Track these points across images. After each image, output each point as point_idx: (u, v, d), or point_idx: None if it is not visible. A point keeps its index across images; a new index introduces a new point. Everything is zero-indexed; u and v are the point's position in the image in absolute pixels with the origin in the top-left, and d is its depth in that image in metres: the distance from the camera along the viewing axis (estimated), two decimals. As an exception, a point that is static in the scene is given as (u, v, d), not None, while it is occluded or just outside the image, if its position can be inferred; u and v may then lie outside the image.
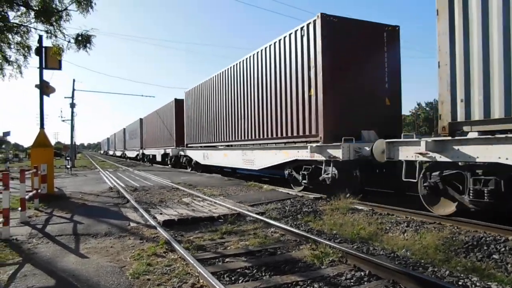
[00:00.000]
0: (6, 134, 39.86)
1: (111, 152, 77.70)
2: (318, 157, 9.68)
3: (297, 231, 5.94)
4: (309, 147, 9.83)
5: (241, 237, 5.91)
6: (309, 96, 10.17)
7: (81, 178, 18.61)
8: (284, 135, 11.51)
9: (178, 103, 24.73)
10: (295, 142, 11.01)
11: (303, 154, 10.20)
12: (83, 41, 9.83)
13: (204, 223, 7.01)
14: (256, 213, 7.53)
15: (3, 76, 11.03)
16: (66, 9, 10.01)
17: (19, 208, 7.61)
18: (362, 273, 4.16)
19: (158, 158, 29.28)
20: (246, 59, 14.13)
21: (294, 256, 4.89)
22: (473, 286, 3.78)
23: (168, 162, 26.62)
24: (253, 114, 13.57)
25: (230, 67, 15.56)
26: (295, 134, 10.94)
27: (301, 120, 10.61)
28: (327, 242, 5.09)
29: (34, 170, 9.61)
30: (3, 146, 74.11)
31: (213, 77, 17.87)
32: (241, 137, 14.68)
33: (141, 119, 38.20)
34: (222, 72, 16.61)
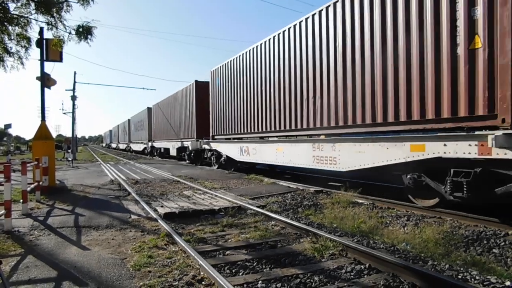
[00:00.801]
0: (8, 126, 39.97)
1: (114, 145, 72.55)
2: (501, 154, 5.50)
3: (297, 224, 5.95)
4: (490, 138, 5.49)
5: (241, 230, 5.94)
6: (471, 51, 6.12)
7: (82, 170, 18.64)
8: (404, 118, 7.34)
9: (200, 86, 20.24)
10: (431, 129, 6.81)
11: (461, 149, 6.05)
12: (84, 32, 9.78)
13: (205, 216, 7.03)
14: (256, 206, 7.55)
15: (5, 67, 11.01)
16: (66, 0, 9.97)
17: (21, 200, 7.64)
18: (362, 266, 4.18)
19: (172, 152, 25.31)
20: (321, 11, 9.77)
21: (294, 249, 4.91)
22: (472, 280, 3.79)
23: (186, 158, 22.83)
24: (333, 89, 9.28)
25: (291, 27, 11.23)
26: (430, 116, 6.81)
27: (446, 92, 6.51)
28: (328, 235, 5.10)
29: (36, 163, 9.63)
30: (5, 139, 74.24)
31: (258, 45, 13.39)
32: (309, 124, 10.35)
33: (149, 108, 34.24)
34: (275, 36, 12.20)
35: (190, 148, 20.57)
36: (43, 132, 11.19)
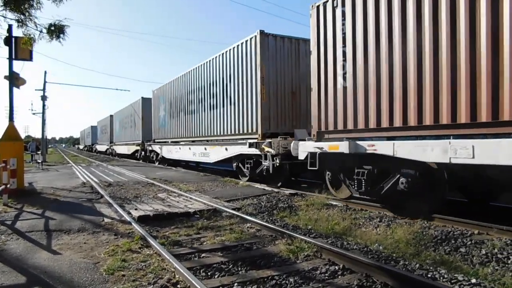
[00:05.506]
0: (-28, 126, 38.23)
1: (102, 148, 47.38)
2: None
3: (272, 226, 5.99)
4: None
5: (217, 233, 5.92)
6: None
7: (52, 173, 18.08)
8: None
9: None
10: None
11: None
12: (56, 31, 9.49)
13: (180, 218, 6.97)
14: (232, 209, 7.54)
15: None
16: (37, -4, 9.65)
17: (-13, 204, 7.35)
18: (336, 267, 4.25)
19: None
20: None
21: (270, 251, 4.94)
22: (441, 278, 3.92)
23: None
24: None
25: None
26: None
27: None
28: (302, 237, 5.16)
29: (3, 165, 9.28)
30: (-31, 139, 70.96)
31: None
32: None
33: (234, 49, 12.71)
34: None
35: None
36: (11, 133, 10.82)
